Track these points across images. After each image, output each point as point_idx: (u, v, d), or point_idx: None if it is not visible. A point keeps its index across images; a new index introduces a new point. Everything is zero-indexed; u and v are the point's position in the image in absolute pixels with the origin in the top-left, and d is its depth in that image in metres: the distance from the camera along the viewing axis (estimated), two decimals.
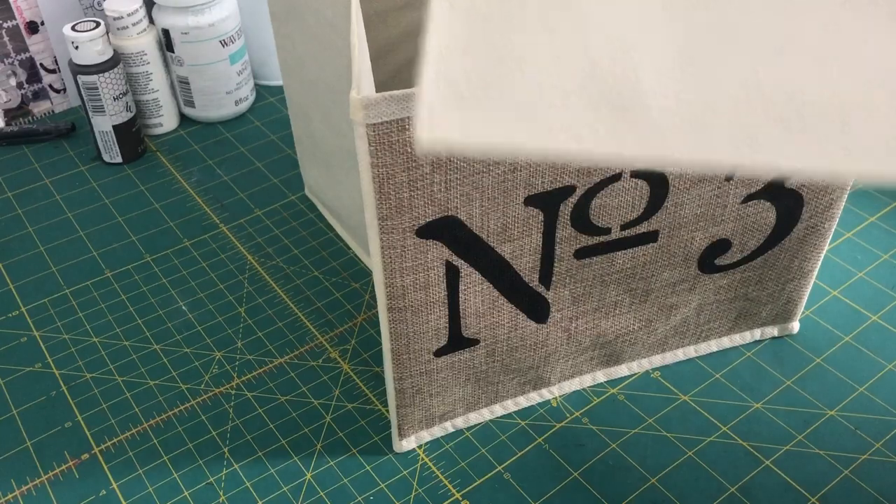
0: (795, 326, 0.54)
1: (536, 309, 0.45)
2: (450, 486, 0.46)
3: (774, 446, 0.48)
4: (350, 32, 0.37)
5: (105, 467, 0.48)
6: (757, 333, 0.53)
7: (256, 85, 0.80)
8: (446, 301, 0.42)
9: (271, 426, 0.50)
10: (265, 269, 0.60)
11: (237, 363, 0.53)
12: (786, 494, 0.45)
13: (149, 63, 0.69)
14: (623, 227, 0.43)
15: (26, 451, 0.49)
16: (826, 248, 0.50)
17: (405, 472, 0.47)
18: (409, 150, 0.36)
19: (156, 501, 0.46)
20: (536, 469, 0.47)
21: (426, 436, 0.48)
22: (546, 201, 0.40)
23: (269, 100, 0.78)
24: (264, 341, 0.55)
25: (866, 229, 0.61)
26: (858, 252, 0.60)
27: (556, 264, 0.43)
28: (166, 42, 0.70)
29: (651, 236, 0.44)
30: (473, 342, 0.45)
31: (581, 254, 0.43)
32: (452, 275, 0.41)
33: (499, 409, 0.50)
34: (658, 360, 0.52)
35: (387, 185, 0.36)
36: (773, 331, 0.54)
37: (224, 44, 0.70)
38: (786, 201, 0.46)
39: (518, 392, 0.49)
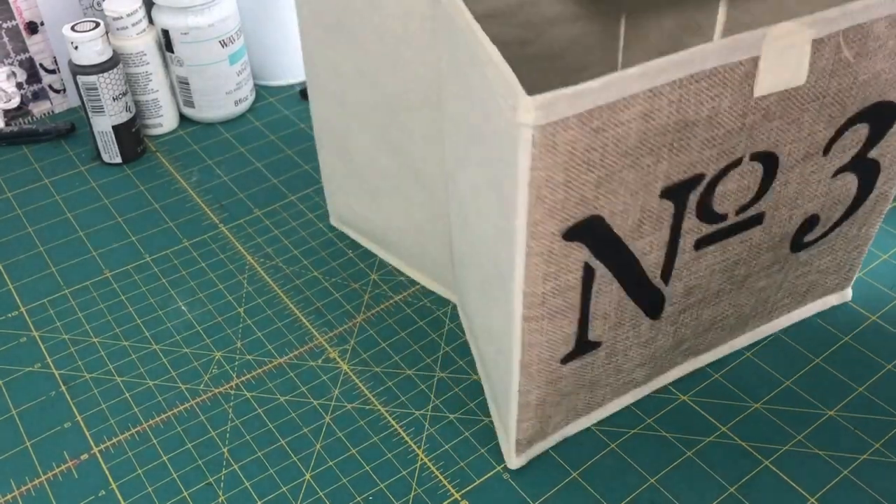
0: (849, 293, 0.56)
1: (654, 305, 0.45)
2: (449, 487, 0.46)
3: (774, 446, 0.48)
4: (476, 42, 0.37)
5: (104, 467, 0.48)
6: (819, 304, 0.55)
7: (256, 85, 0.80)
8: (579, 305, 0.41)
9: (271, 426, 0.50)
10: (265, 270, 0.60)
11: (237, 363, 0.53)
12: (785, 494, 0.45)
13: (148, 63, 0.69)
14: (738, 212, 0.43)
15: (25, 452, 0.49)
16: (886, 211, 0.52)
17: (404, 472, 0.47)
18: (570, 149, 0.35)
19: (155, 502, 0.46)
20: (536, 469, 0.47)
21: (538, 448, 0.47)
22: (678, 192, 0.40)
23: (268, 100, 0.78)
24: (264, 341, 0.55)
25: None
26: None
27: (677, 257, 0.43)
28: (166, 42, 0.70)
29: (758, 219, 0.44)
30: (596, 345, 0.44)
31: (700, 244, 0.43)
32: (589, 277, 0.40)
33: (602, 413, 0.49)
34: (738, 342, 0.53)
35: (545, 187, 0.35)
36: (833, 299, 0.55)
37: (224, 44, 0.70)
38: (867, 171, 0.47)
39: (621, 391, 0.49)
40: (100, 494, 0.46)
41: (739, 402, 0.50)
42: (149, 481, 0.47)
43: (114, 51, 0.67)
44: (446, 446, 0.48)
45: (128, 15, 0.67)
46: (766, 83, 0.39)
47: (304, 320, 0.56)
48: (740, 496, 0.45)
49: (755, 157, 0.41)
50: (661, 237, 0.41)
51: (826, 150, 0.44)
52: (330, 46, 0.52)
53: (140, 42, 0.68)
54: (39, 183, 0.69)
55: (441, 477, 0.47)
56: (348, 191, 0.59)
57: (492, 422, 0.49)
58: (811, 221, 0.47)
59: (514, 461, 0.47)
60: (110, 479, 0.47)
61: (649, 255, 0.42)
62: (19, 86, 0.74)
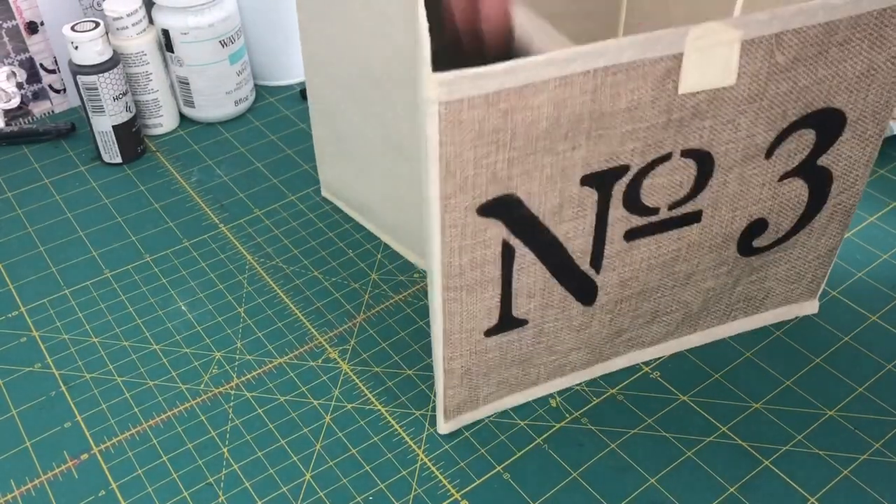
0: (815, 305, 0.55)
1: (585, 291, 0.46)
2: (449, 487, 0.46)
3: (774, 446, 0.48)
4: (415, 19, 0.38)
5: (104, 467, 0.48)
6: (781, 313, 0.54)
7: (256, 85, 0.80)
8: (500, 281, 0.43)
9: (271, 426, 0.50)
10: (265, 270, 0.60)
11: (237, 363, 0.53)
12: (785, 494, 0.45)
13: (148, 63, 0.69)
14: (671, 207, 0.44)
15: (25, 452, 0.49)
16: (849, 225, 0.51)
17: (404, 473, 0.47)
18: (477, 127, 0.37)
19: (155, 502, 0.46)
20: (536, 469, 0.47)
21: (468, 418, 0.49)
22: (601, 181, 0.41)
23: (268, 100, 0.78)
24: (264, 341, 0.55)
25: (866, 229, 0.61)
26: (858, 252, 0.60)
27: (606, 247, 0.44)
28: (166, 42, 0.70)
29: (695, 216, 0.45)
30: (522, 322, 0.45)
31: (631, 235, 0.44)
32: (508, 254, 0.42)
33: (537, 392, 0.50)
34: (686, 341, 0.53)
35: (453, 163, 0.37)
36: (797, 309, 0.55)
37: (224, 44, 0.70)
38: (817, 178, 0.46)
39: (558, 374, 0.50)
40: (100, 494, 0.46)
41: (739, 402, 0.50)
42: (149, 481, 0.47)
43: (114, 51, 0.66)
44: (446, 446, 0.48)
45: (128, 15, 0.67)
46: (691, 81, 0.39)
47: (305, 320, 0.56)
48: (740, 496, 0.45)
49: (687, 154, 0.42)
50: (586, 224, 0.42)
51: (768, 154, 0.44)
52: (323, 16, 0.54)
53: (140, 42, 0.68)
54: (39, 183, 0.69)
55: (441, 477, 0.47)
56: (337, 161, 0.61)
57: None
58: (759, 226, 0.47)
59: (442, 426, 0.48)
60: (110, 479, 0.47)
61: (574, 240, 0.43)
62: (19, 86, 0.74)
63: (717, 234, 0.46)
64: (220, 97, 0.73)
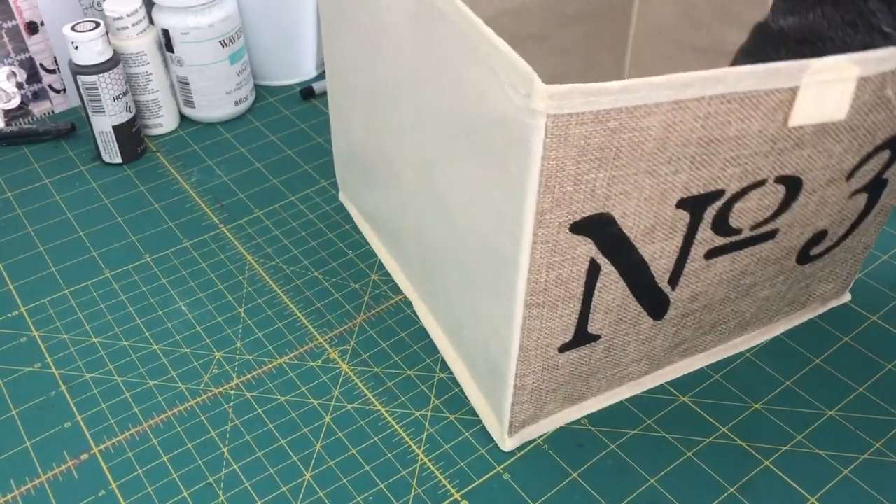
0: (847, 295, 0.56)
1: (658, 307, 0.45)
2: (449, 487, 0.46)
3: (774, 446, 0.48)
4: (478, 33, 0.37)
5: (104, 467, 0.48)
6: (819, 309, 0.55)
7: (256, 85, 0.80)
8: (581, 297, 0.42)
9: (271, 426, 0.50)
10: (265, 270, 0.60)
11: (237, 363, 0.53)
12: (786, 495, 0.45)
13: (148, 63, 0.69)
14: (752, 228, 0.43)
15: (25, 452, 0.49)
16: (884, 222, 0.51)
17: (404, 473, 0.47)
18: (583, 143, 0.36)
19: (155, 502, 0.46)
20: (536, 469, 0.47)
21: (530, 432, 0.48)
22: (696, 205, 0.41)
23: (268, 100, 0.78)
24: (264, 342, 0.55)
25: None
26: None
27: (686, 265, 0.43)
28: (166, 42, 0.70)
29: (771, 234, 0.44)
30: (596, 338, 0.45)
31: (710, 254, 0.44)
32: (594, 272, 0.41)
33: (596, 405, 0.50)
34: (733, 346, 0.53)
35: (554, 178, 0.36)
36: (832, 302, 0.56)
37: (224, 44, 0.70)
38: (877, 189, 0.46)
39: (615, 385, 0.50)
40: (100, 494, 0.46)
41: (740, 402, 0.50)
42: (149, 481, 0.47)
43: (114, 51, 0.66)
44: (446, 446, 0.48)
45: (128, 15, 0.67)
46: (803, 114, 0.38)
47: (305, 320, 0.56)
48: (741, 496, 0.45)
49: (780, 179, 0.41)
50: (673, 245, 0.42)
51: (849, 176, 0.43)
52: (339, 24, 0.54)
53: (140, 42, 0.68)
54: (39, 183, 0.69)
55: (441, 477, 0.47)
56: (349, 167, 0.61)
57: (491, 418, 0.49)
58: (819, 236, 0.47)
59: (507, 443, 0.48)
60: (110, 479, 0.47)
61: (659, 260, 0.42)
62: (19, 86, 0.74)
63: (785, 247, 0.46)
64: (220, 97, 0.73)
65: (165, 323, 0.56)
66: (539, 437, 0.49)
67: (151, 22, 0.70)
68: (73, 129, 0.74)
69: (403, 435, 0.49)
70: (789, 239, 0.45)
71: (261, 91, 0.79)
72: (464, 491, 0.46)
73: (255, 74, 0.79)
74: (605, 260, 0.41)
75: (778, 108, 0.38)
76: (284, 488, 0.46)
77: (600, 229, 0.39)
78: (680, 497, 0.45)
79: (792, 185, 0.42)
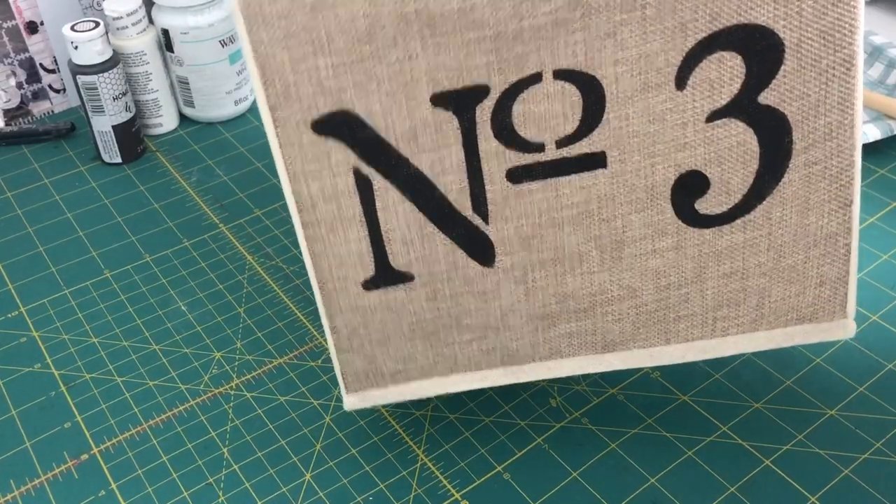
0: (850, 326, 0.43)
1: (476, 245, 0.40)
2: (449, 486, 0.46)
3: (774, 446, 0.48)
4: None
5: (104, 468, 0.48)
6: (797, 334, 0.43)
7: None
8: (363, 219, 0.39)
9: (271, 427, 0.49)
10: (265, 270, 0.60)
11: (237, 363, 0.53)
12: (786, 494, 0.45)
13: (148, 63, 0.69)
14: (559, 145, 0.38)
15: (25, 452, 0.49)
16: (856, 202, 0.39)
17: (405, 473, 0.47)
18: (284, 24, 0.34)
19: (155, 502, 0.46)
20: (536, 469, 0.47)
21: (377, 396, 0.44)
22: (457, 102, 0.36)
23: None
24: (264, 342, 0.55)
25: (866, 229, 0.61)
26: (858, 252, 0.60)
27: (487, 187, 0.38)
28: (166, 42, 0.70)
29: (598, 160, 0.38)
30: (407, 277, 0.40)
31: (515, 175, 0.38)
32: (364, 186, 0.38)
33: (463, 382, 0.44)
34: (664, 353, 0.43)
35: (269, 66, 0.35)
36: (819, 333, 0.43)
37: (223, 44, 0.70)
38: (765, 121, 0.38)
39: (482, 361, 0.43)
40: (100, 495, 0.46)
41: (740, 401, 0.50)
42: (149, 481, 0.47)
43: (114, 50, 0.67)
44: (446, 446, 0.48)
45: (128, 15, 0.67)
46: None
47: (305, 320, 0.56)
48: (741, 496, 0.45)
49: (561, 75, 0.36)
50: (453, 156, 0.38)
51: (679, 83, 0.37)
52: None
53: (140, 42, 0.68)
54: (39, 183, 0.69)
55: (441, 477, 0.47)
56: None
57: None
58: (695, 180, 0.39)
59: (346, 400, 0.44)
60: (110, 480, 0.47)
61: (443, 175, 0.38)
62: (19, 85, 0.74)
63: (634, 185, 0.38)
64: (219, 97, 0.73)
65: (165, 323, 0.56)
66: (388, 406, 0.46)
67: (151, 21, 0.70)
68: (72, 128, 0.74)
69: (403, 435, 0.49)
70: (634, 173, 0.38)
71: None
72: (464, 491, 0.46)
73: None
74: (373, 171, 0.38)
75: None
76: (285, 488, 0.46)
77: (350, 131, 0.37)
78: (681, 496, 0.45)
79: (586, 86, 0.36)
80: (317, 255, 0.40)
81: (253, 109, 0.77)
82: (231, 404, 0.51)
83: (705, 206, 0.39)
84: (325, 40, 0.34)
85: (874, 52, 0.75)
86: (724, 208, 0.40)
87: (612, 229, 0.40)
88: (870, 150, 0.68)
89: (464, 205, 0.39)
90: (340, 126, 0.37)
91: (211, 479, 0.47)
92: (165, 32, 0.69)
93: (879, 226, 0.62)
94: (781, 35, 0.36)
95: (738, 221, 0.40)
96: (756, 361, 0.52)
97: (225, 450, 0.48)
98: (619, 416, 0.50)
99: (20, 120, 0.75)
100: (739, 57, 0.36)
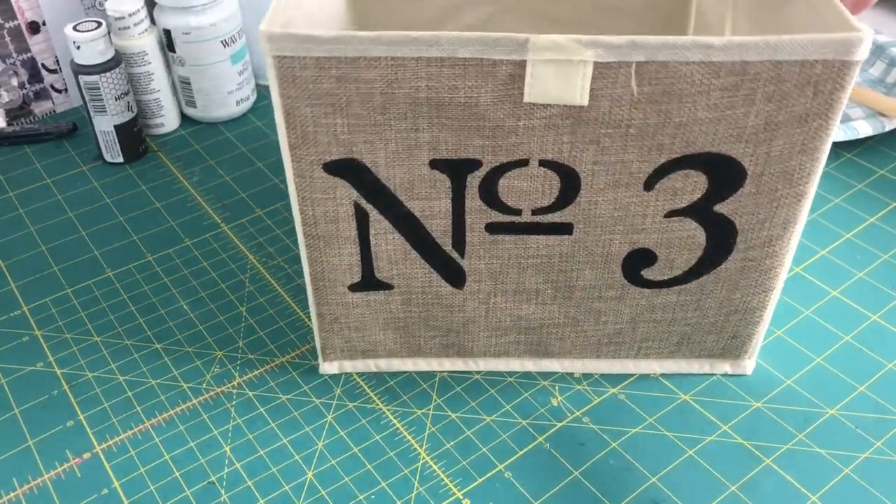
0: (749, 366, 0.51)
1: (451, 273, 0.47)
2: (451, 485, 0.46)
3: (775, 445, 0.48)
4: None
5: (107, 466, 0.48)
6: (706, 365, 0.51)
7: (257, 85, 0.80)
8: (357, 240, 0.45)
9: (272, 425, 0.50)
10: (266, 269, 0.60)
11: (238, 362, 0.53)
12: (786, 493, 0.46)
13: (150, 63, 0.69)
14: (535, 213, 0.44)
15: (28, 450, 0.49)
16: (777, 287, 0.47)
17: (406, 471, 0.47)
18: (311, 87, 0.39)
19: (157, 500, 0.46)
20: (537, 468, 0.47)
21: (348, 366, 0.52)
22: (452, 168, 0.42)
23: (270, 100, 0.78)
24: (265, 340, 0.55)
25: (866, 229, 0.62)
26: (858, 252, 0.60)
27: (468, 233, 0.45)
28: (168, 42, 0.70)
29: (565, 228, 0.44)
30: (387, 286, 0.48)
31: (493, 229, 0.45)
32: (362, 216, 0.44)
33: (422, 364, 0.52)
34: (592, 365, 0.52)
35: (293, 116, 0.40)
36: (724, 366, 0.51)
37: (225, 44, 0.70)
38: (715, 225, 0.44)
39: (441, 353, 0.51)
40: (102, 493, 0.47)
41: (741, 400, 0.50)
42: (151, 480, 0.47)
43: (116, 50, 0.67)
44: (448, 445, 0.48)
45: (130, 15, 0.67)
46: (536, 92, 0.38)
47: (306, 319, 0.56)
48: (742, 495, 0.45)
49: (546, 164, 0.41)
50: (442, 206, 0.44)
51: (648, 185, 0.42)
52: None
53: (142, 42, 0.68)
54: (41, 182, 0.69)
55: (443, 476, 0.47)
56: None
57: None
58: (645, 256, 0.45)
59: (322, 366, 0.52)
60: (113, 478, 0.47)
61: (432, 219, 0.44)
62: (21, 85, 0.74)
63: (592, 251, 0.45)
64: (221, 97, 0.73)
65: (167, 322, 0.56)
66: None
67: (153, 22, 0.70)
68: (74, 128, 0.74)
69: (405, 433, 0.49)
70: (595, 242, 0.45)
71: (262, 91, 0.79)
72: (465, 490, 0.46)
73: (256, 74, 0.79)
74: (371, 207, 0.44)
75: (511, 83, 0.38)
76: (286, 487, 0.46)
77: (356, 174, 0.42)
78: (682, 496, 0.45)
79: (566, 176, 0.42)
80: (313, 262, 0.46)
81: (254, 109, 0.77)
82: (233, 403, 0.51)
83: (650, 274, 0.46)
84: (344, 104, 0.40)
85: (876, 51, 0.75)
86: (666, 277, 0.47)
87: (568, 277, 0.47)
88: (870, 150, 0.69)
89: (445, 242, 0.45)
90: (348, 170, 0.42)
91: (213, 478, 0.47)
92: (167, 32, 0.69)
93: (879, 226, 0.62)
94: (746, 167, 0.41)
95: (676, 287, 0.47)
96: (757, 361, 0.53)
97: (227, 448, 0.49)
98: (620, 416, 0.50)
99: (22, 120, 0.75)
100: (704, 175, 0.42)
